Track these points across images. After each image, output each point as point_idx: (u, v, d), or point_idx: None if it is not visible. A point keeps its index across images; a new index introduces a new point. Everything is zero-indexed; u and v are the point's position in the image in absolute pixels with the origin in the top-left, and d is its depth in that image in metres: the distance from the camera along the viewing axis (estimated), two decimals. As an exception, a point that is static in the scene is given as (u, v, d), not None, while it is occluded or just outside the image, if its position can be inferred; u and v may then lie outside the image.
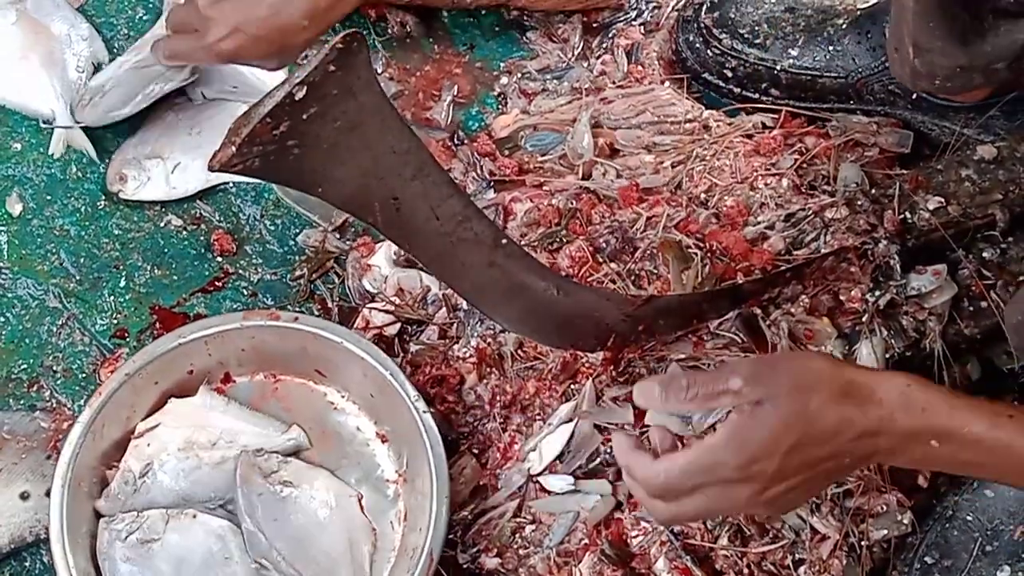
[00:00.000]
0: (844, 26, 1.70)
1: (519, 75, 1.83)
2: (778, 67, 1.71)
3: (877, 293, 1.52)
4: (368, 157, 1.03)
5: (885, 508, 1.48)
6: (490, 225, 1.17)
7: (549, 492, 1.51)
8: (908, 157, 1.68)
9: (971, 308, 1.55)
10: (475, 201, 1.69)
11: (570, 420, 1.52)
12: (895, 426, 1.13)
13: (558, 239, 1.61)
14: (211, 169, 0.98)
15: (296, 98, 0.94)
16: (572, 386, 1.54)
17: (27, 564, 1.54)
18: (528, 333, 1.45)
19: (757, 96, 1.75)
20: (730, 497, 1.15)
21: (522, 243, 1.64)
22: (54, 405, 1.62)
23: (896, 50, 1.58)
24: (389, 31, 1.86)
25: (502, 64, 1.85)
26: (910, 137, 1.69)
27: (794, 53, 1.71)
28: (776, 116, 1.72)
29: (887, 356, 1.51)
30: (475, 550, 1.50)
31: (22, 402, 1.62)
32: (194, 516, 1.49)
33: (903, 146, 1.68)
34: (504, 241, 1.21)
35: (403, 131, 1.04)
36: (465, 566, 1.50)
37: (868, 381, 1.15)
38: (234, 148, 0.94)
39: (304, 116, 0.95)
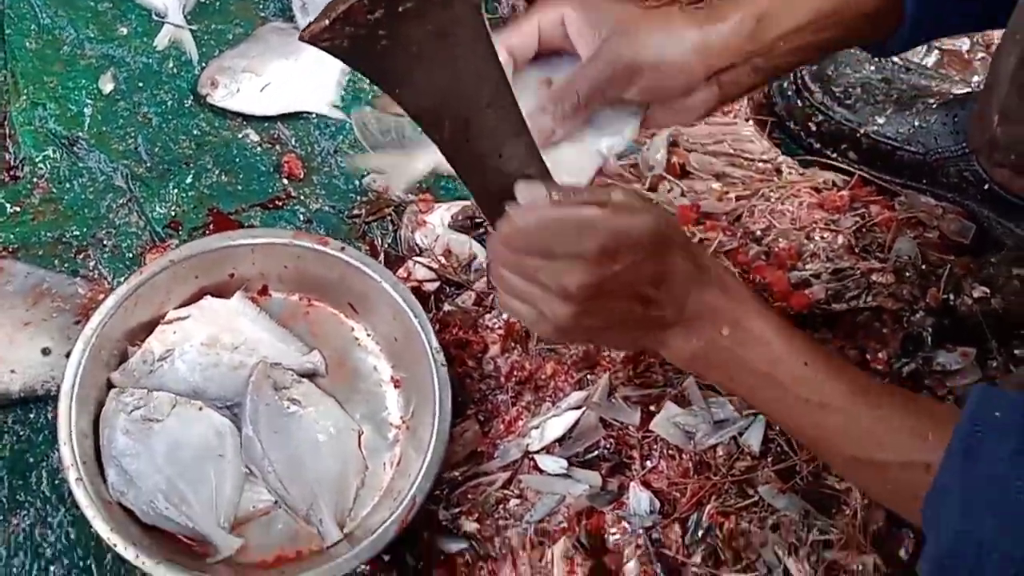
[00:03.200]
0: (934, 106, 1.72)
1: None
2: (861, 131, 1.74)
3: (904, 360, 1.54)
4: (450, 71, 1.05)
5: (861, 568, 1.49)
6: (548, 177, 1.20)
7: (542, 471, 1.53)
8: (965, 248, 1.70)
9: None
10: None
11: (579, 408, 1.55)
12: (704, 297, 1.18)
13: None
14: (301, 39, 1.00)
15: None
16: (588, 376, 1.57)
17: (31, 416, 1.57)
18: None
19: (835, 155, 1.77)
20: (562, 284, 1.14)
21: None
22: (95, 276, 1.67)
23: (980, 118, 1.60)
24: (499, 10, 1.91)
25: (600, 66, 1.89)
26: (972, 229, 1.70)
27: (880, 121, 1.74)
28: (848, 178, 1.75)
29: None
30: (457, 511, 1.53)
31: (66, 265, 1.67)
32: (200, 408, 1.53)
33: (963, 236, 1.69)
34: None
35: (490, 57, 1.07)
36: (444, 523, 1.52)
37: (705, 256, 1.22)
38: (327, 22, 0.97)
39: (400, 9, 0.98)
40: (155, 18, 1.86)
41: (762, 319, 1.19)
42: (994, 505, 1.06)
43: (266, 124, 1.80)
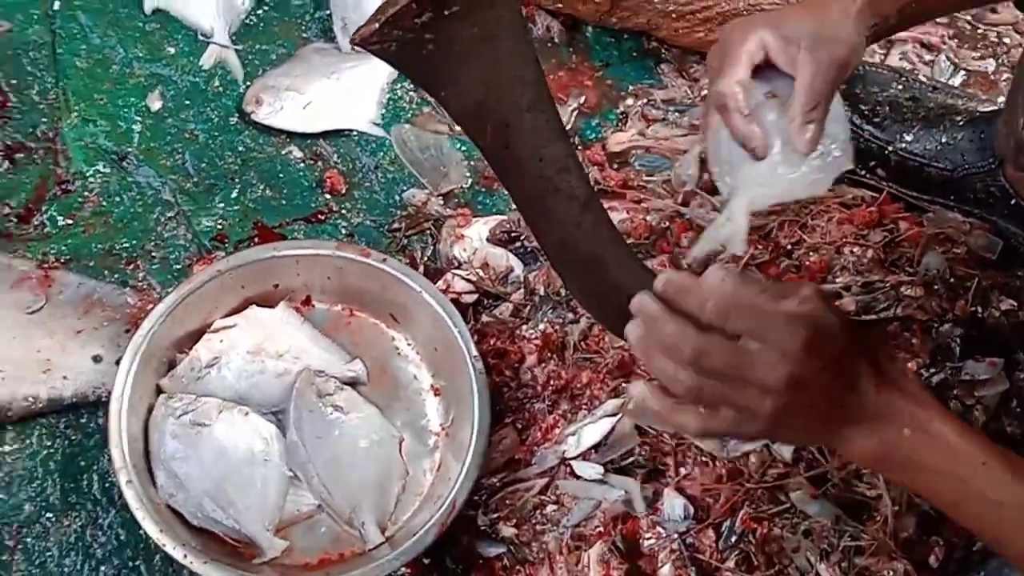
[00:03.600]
0: (961, 123, 1.76)
1: (645, 100, 1.91)
2: (889, 148, 1.77)
3: (932, 370, 1.57)
4: (494, 73, 1.08)
5: (891, 574, 1.52)
6: (587, 184, 1.22)
7: (578, 477, 1.57)
8: (992, 263, 1.73)
9: (1019, 409, 1.59)
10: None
11: (615, 415, 1.58)
12: (886, 397, 1.16)
13: (644, 251, 1.69)
14: (352, 43, 1.04)
15: None
16: (624, 384, 1.61)
17: (83, 421, 1.62)
18: (594, 311, 1.50)
19: (864, 173, 1.81)
20: (770, 369, 1.10)
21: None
22: (144, 286, 1.71)
23: (1006, 122, 1.63)
24: (534, 32, 1.96)
25: (631, 87, 1.94)
26: (999, 245, 1.73)
27: (908, 138, 1.77)
28: (877, 195, 1.78)
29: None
30: (495, 516, 1.56)
31: (116, 276, 1.72)
32: (246, 414, 1.57)
33: (990, 251, 1.72)
34: (595, 206, 1.25)
35: (531, 59, 1.10)
36: (482, 528, 1.56)
37: (884, 354, 1.20)
38: (377, 25, 1.01)
39: (446, 12, 1.01)
40: (201, 38, 1.91)
41: (941, 420, 1.17)
42: None
43: (309, 141, 1.85)
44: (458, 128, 1.85)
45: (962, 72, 1.95)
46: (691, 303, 1.11)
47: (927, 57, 1.97)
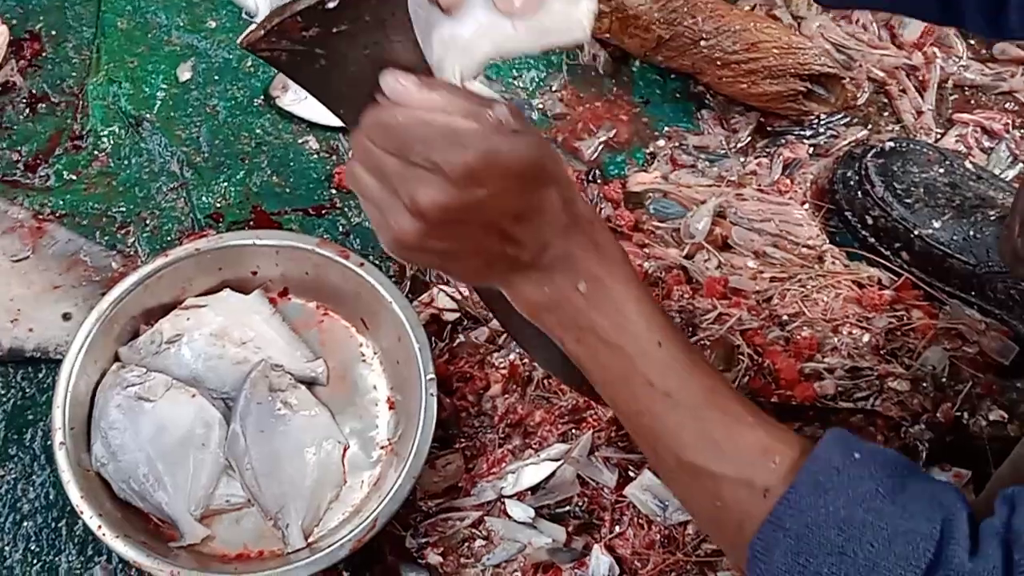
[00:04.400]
0: (993, 218, 1.66)
1: (677, 143, 1.85)
2: (915, 232, 1.68)
3: (895, 471, 1.48)
4: None
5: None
6: None
7: (509, 516, 1.52)
8: (1004, 370, 1.62)
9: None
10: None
11: (558, 460, 1.53)
12: (568, 244, 1.06)
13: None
14: (240, 45, 1.02)
15: (327, 7, 0.98)
16: (573, 430, 1.55)
17: (40, 375, 1.63)
18: (544, 363, 1.46)
19: (888, 253, 1.72)
20: (414, 197, 1.00)
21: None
22: (132, 252, 1.71)
23: (1007, 227, 1.54)
24: (580, 58, 1.91)
25: (666, 128, 1.87)
26: (1014, 350, 1.62)
27: (936, 225, 1.68)
28: (895, 278, 1.69)
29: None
30: (424, 540, 1.52)
31: (107, 238, 1.72)
32: (193, 395, 1.56)
33: (1004, 356, 1.62)
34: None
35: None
36: (410, 549, 1.52)
37: (581, 204, 1.09)
38: (263, 32, 0.99)
39: (334, 30, 0.99)
40: (244, 17, 1.91)
41: (625, 284, 1.07)
42: (836, 549, 0.97)
43: (328, 134, 1.83)
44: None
45: (1020, 164, 1.84)
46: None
47: (986, 144, 1.86)
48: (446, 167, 0.99)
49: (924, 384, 1.55)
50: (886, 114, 1.90)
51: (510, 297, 1.12)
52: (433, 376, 1.54)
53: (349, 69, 1.03)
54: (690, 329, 1.59)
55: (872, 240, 1.73)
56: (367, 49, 1.02)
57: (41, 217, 1.71)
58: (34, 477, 1.56)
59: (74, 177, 1.76)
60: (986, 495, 1.14)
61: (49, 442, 1.56)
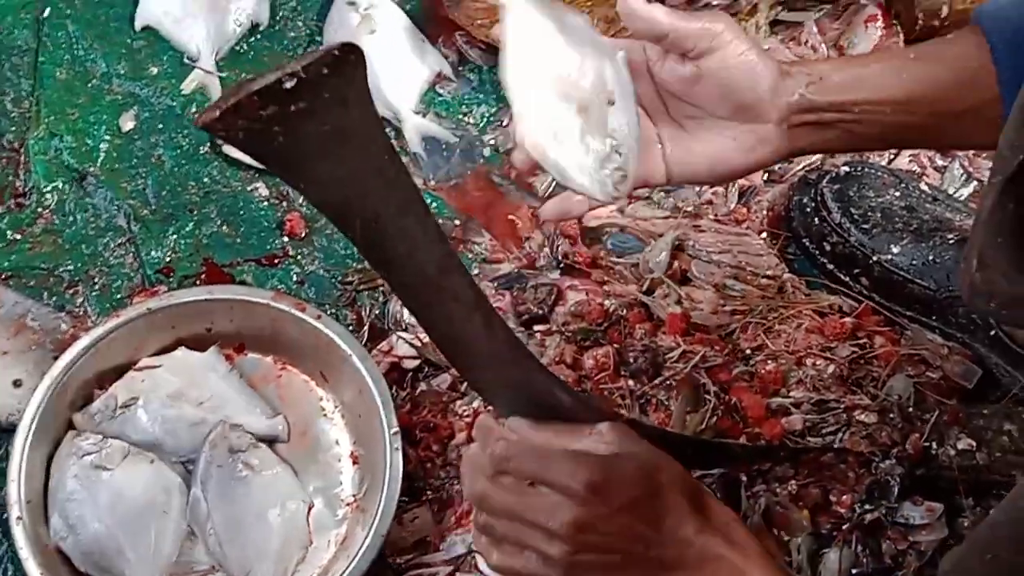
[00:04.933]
0: (952, 241, 1.65)
1: (630, 178, 1.82)
2: (874, 258, 1.67)
3: (867, 507, 1.47)
4: (353, 172, 1.03)
5: None
6: (472, 285, 1.17)
7: (480, 572, 1.50)
8: (968, 394, 1.62)
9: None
10: (538, 276, 1.70)
11: (527, 511, 1.51)
12: (709, 545, 1.13)
13: (593, 338, 1.61)
14: (195, 124, 1.00)
15: (285, 87, 0.95)
16: (541, 480, 1.53)
17: (-8, 446, 1.59)
18: (504, 408, 1.44)
19: (847, 279, 1.71)
20: (553, 503, 1.10)
21: (563, 330, 1.65)
22: (81, 313, 1.68)
23: (965, 260, 1.52)
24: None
25: (620, 160, 1.85)
26: (977, 374, 1.62)
27: (895, 250, 1.67)
28: (856, 305, 1.68)
29: (853, 572, 1.46)
30: (395, 598, 1.50)
31: (54, 299, 1.69)
32: (152, 462, 1.52)
33: (967, 380, 1.61)
34: (485, 306, 1.20)
35: (393, 160, 1.05)
36: (381, 608, 1.50)
37: (708, 497, 1.17)
38: (218, 112, 0.96)
39: (292, 108, 0.96)
40: (187, 61, 1.87)
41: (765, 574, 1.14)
42: None
43: (277, 180, 1.79)
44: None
45: (975, 182, 1.83)
46: (486, 445, 1.16)
47: (940, 162, 1.86)
48: (572, 488, 1.09)
49: (891, 415, 1.54)
50: (838, 134, 1.88)
51: None
52: (397, 430, 1.52)
53: (308, 145, 1.00)
54: (653, 369, 1.57)
55: (831, 266, 1.72)
56: (327, 125, 0.99)
57: (-14, 280, 1.68)
58: (-8, 552, 1.53)
59: (18, 236, 1.72)
60: (967, 552, 1.13)
61: (5, 516, 1.53)
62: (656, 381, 1.56)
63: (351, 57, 0.99)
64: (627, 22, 1.27)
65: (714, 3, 1.92)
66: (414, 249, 1.10)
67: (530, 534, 1.12)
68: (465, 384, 1.62)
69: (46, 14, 1.89)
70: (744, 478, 1.48)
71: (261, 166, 1.73)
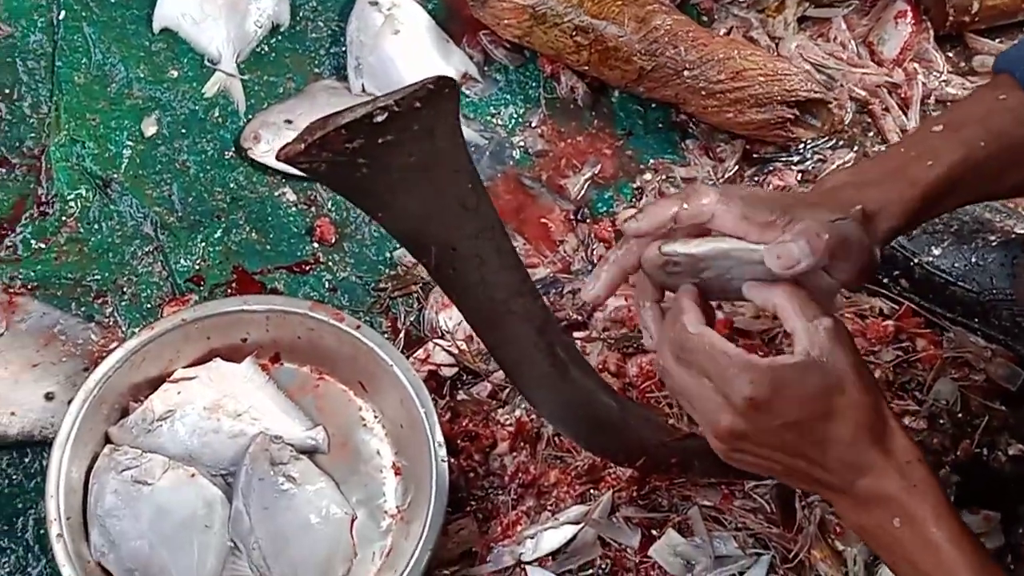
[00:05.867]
0: (995, 243, 1.64)
1: (664, 176, 1.81)
2: (915, 260, 1.66)
3: (924, 516, 1.46)
4: (434, 201, 1.02)
5: None
6: (541, 308, 1.15)
7: (532, 583, 1.48)
8: (1013, 396, 1.61)
9: (1012, 567, 1.47)
10: (574, 281, 1.68)
11: (578, 523, 1.49)
12: (881, 483, 1.13)
13: (636, 346, 1.59)
14: (277, 158, 0.98)
15: (375, 120, 0.94)
16: (592, 490, 1.51)
17: (27, 460, 1.56)
18: (558, 424, 1.42)
19: (887, 281, 1.69)
20: (716, 405, 1.11)
21: (602, 336, 1.63)
22: (110, 323, 1.64)
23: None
24: (558, 91, 1.86)
25: (652, 160, 1.83)
26: (1021, 376, 1.60)
27: (936, 252, 1.66)
28: (897, 307, 1.67)
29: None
30: (443, 611, 1.48)
31: (83, 309, 1.65)
32: (192, 475, 1.49)
33: (1011, 383, 1.60)
34: (552, 329, 1.18)
35: (476, 188, 1.03)
36: (429, 622, 1.48)
37: (893, 432, 1.15)
38: (303, 146, 0.94)
39: (379, 140, 0.95)
40: (207, 64, 1.83)
41: (937, 522, 1.12)
42: None
43: (304, 184, 1.76)
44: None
45: (1008, 179, 1.82)
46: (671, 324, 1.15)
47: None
48: (733, 398, 1.09)
49: (941, 421, 1.53)
50: (871, 134, 1.87)
51: (836, 510, 1.22)
52: (442, 441, 1.49)
53: (392, 176, 0.98)
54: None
55: (870, 268, 1.71)
56: (413, 156, 0.98)
57: (12, 291, 1.63)
58: (30, 570, 1.50)
59: (43, 246, 1.68)
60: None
61: (42, 531, 1.50)
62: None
63: (445, 90, 0.97)
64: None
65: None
66: (487, 274, 1.09)
67: (699, 417, 1.15)
68: (507, 391, 1.60)
69: (61, 16, 1.84)
70: (798, 489, 1.46)
71: (290, 170, 1.73)
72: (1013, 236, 1.64)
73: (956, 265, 1.65)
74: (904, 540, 1.13)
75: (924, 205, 1.21)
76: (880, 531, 1.15)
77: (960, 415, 1.55)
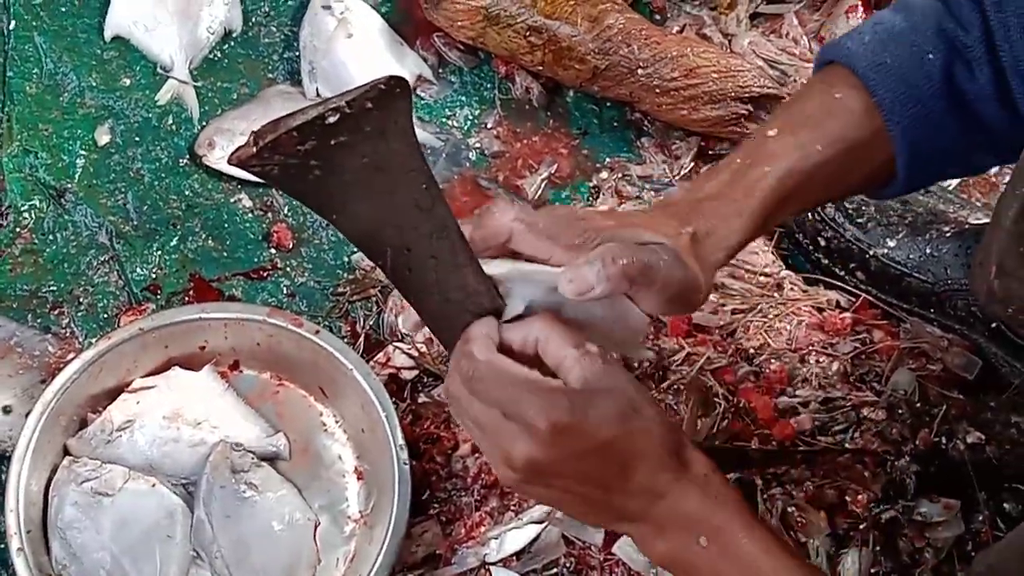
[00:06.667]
0: (948, 234, 1.65)
1: (620, 175, 1.81)
2: (871, 252, 1.67)
3: (883, 506, 1.47)
4: (389, 202, 1.01)
5: None
6: (499, 308, 1.15)
7: (496, 586, 1.48)
8: (970, 385, 1.62)
9: (973, 554, 1.49)
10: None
11: (541, 522, 1.49)
12: (682, 501, 1.07)
13: (596, 343, 1.59)
14: (229, 162, 0.97)
15: (327, 122, 0.93)
16: (555, 489, 1.51)
17: (-16, 475, 1.55)
18: None
19: (843, 274, 1.70)
20: (505, 450, 1.04)
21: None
22: (67, 334, 1.63)
23: (980, 264, 1.53)
24: (512, 92, 1.86)
25: (608, 159, 1.83)
26: (977, 365, 1.62)
27: (891, 244, 1.67)
28: (854, 299, 1.68)
29: (872, 571, 1.45)
30: (407, 615, 1.48)
31: (39, 321, 1.64)
32: (153, 485, 1.49)
33: (968, 372, 1.62)
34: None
35: (430, 188, 1.03)
36: (393, 626, 1.47)
37: (687, 448, 1.10)
38: (254, 149, 0.93)
39: (332, 142, 0.94)
40: (160, 71, 1.82)
41: (747, 533, 1.08)
42: None
43: (260, 190, 1.75)
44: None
45: (962, 170, 1.84)
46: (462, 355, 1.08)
47: (927, 152, 1.86)
48: (534, 425, 1.02)
49: (900, 411, 1.54)
50: (824, 128, 1.88)
51: (636, 545, 1.13)
52: (404, 444, 1.49)
53: (345, 177, 0.97)
54: (660, 373, 1.56)
55: (825, 261, 1.71)
56: (366, 157, 0.97)
57: (-34, 304, 1.62)
58: (-10, 586, 1.48)
59: (-3, 258, 1.67)
60: (1006, 554, 1.14)
61: (3, 546, 1.49)
62: (663, 385, 1.55)
63: (397, 90, 0.97)
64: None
65: (694, -1, 1.92)
66: (443, 274, 1.08)
67: (488, 449, 1.08)
68: (467, 394, 1.59)
69: (11, 26, 1.82)
70: (760, 482, 1.47)
71: (245, 177, 1.72)
72: (967, 227, 1.66)
73: (911, 256, 1.66)
74: (713, 560, 1.08)
75: (763, 215, 1.17)
76: (687, 555, 1.09)
77: (918, 405, 1.56)
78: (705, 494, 1.08)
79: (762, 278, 1.68)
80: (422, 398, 1.61)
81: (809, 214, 1.71)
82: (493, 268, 1.10)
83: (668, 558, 1.11)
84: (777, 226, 1.63)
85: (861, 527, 1.46)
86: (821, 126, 1.20)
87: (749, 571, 1.08)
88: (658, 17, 1.94)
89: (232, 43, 1.87)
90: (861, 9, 1.91)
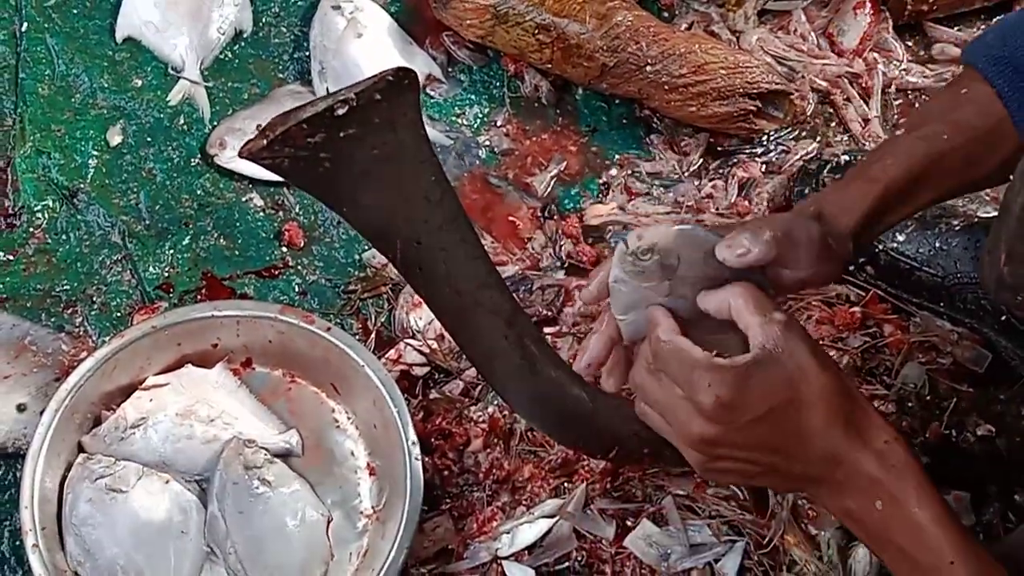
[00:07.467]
0: (957, 228, 1.65)
1: (629, 171, 1.82)
2: (881, 246, 1.67)
3: (895, 498, 1.47)
4: (398, 194, 1.02)
5: None
6: (509, 300, 1.16)
7: (509, 579, 1.49)
8: (980, 378, 1.62)
9: (985, 546, 1.49)
10: (543, 278, 1.69)
11: (553, 516, 1.50)
12: (860, 467, 1.12)
13: (604, 336, 1.60)
14: (240, 155, 0.98)
15: (336, 114, 0.94)
16: (566, 484, 1.52)
17: (0, 472, 1.55)
18: (530, 418, 1.43)
19: (852, 269, 1.70)
20: (687, 413, 1.12)
21: (573, 331, 1.64)
22: (81, 333, 1.64)
23: (989, 252, 1.52)
24: (522, 90, 1.87)
25: (617, 156, 1.84)
26: (987, 358, 1.62)
27: (900, 238, 1.67)
28: (863, 294, 1.68)
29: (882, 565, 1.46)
30: (420, 609, 1.48)
31: (53, 320, 1.65)
32: (167, 482, 1.50)
33: (978, 365, 1.62)
34: (521, 320, 1.19)
35: (439, 180, 1.04)
36: (408, 621, 1.48)
37: (866, 414, 1.14)
38: (265, 142, 0.95)
39: (341, 134, 0.95)
40: (171, 72, 1.83)
41: (919, 503, 1.12)
42: None
43: (272, 189, 1.77)
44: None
45: (969, 165, 1.84)
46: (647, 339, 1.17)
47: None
48: (701, 403, 1.10)
49: (910, 404, 1.54)
50: (833, 124, 1.89)
51: (817, 504, 1.23)
52: (416, 440, 1.50)
53: (355, 169, 0.98)
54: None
55: (835, 255, 1.72)
56: (375, 149, 0.98)
57: (-19, 304, 1.63)
58: (6, 582, 1.49)
59: (11, 257, 1.68)
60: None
61: (18, 543, 1.50)
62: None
63: (404, 82, 0.98)
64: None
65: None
66: (452, 266, 1.09)
67: (673, 435, 1.16)
68: (479, 388, 1.60)
69: (24, 28, 1.84)
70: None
71: (257, 175, 1.74)
72: (976, 220, 1.66)
73: (920, 251, 1.67)
74: (887, 522, 1.13)
75: (888, 200, 1.24)
76: (863, 514, 1.14)
77: (928, 398, 1.56)
78: (882, 463, 1.12)
79: (772, 273, 1.69)
80: (434, 394, 1.62)
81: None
82: (655, 234, 1.13)
83: (845, 513, 1.16)
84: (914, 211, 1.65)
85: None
86: (946, 118, 1.28)
87: (917, 538, 1.11)
88: (666, 14, 1.96)
89: (243, 43, 1.89)
90: (869, 5, 1.92)
